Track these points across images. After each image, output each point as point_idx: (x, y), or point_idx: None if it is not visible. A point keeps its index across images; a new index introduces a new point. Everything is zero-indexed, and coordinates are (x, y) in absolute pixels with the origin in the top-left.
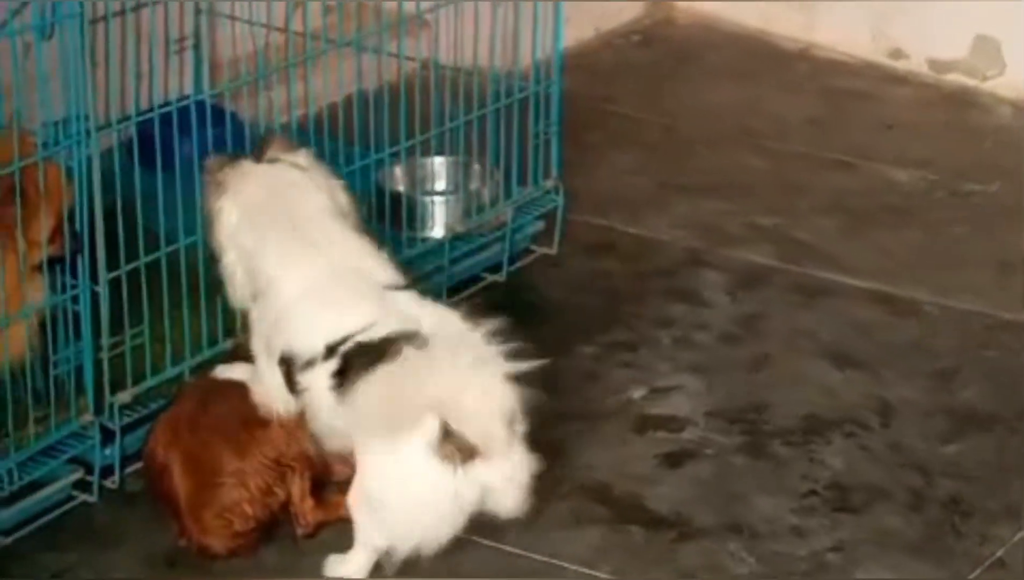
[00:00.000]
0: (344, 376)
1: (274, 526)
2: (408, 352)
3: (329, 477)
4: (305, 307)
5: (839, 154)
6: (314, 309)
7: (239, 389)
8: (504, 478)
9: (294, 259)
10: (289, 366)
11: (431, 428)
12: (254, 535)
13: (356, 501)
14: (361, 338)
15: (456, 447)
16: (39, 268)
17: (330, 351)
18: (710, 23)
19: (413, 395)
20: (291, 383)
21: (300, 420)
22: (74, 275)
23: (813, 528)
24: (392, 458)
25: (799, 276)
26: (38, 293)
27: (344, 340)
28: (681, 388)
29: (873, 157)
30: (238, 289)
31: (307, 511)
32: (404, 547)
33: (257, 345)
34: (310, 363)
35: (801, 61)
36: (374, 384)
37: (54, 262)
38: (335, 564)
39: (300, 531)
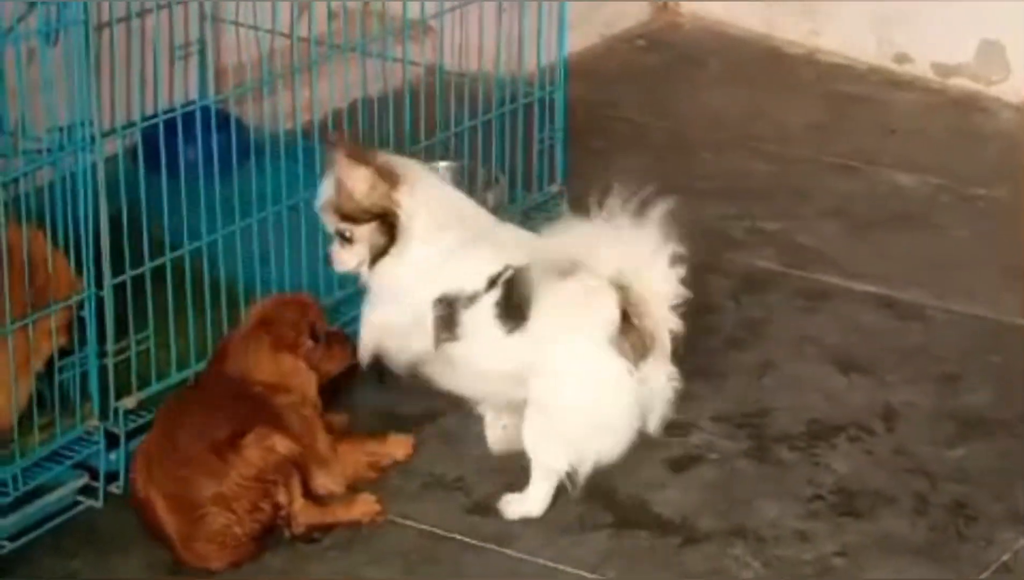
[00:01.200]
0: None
1: (272, 531)
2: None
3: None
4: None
5: (843, 159)
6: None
7: (201, 409)
8: (666, 380)
9: None
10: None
11: (611, 318)
12: (251, 547)
13: (529, 432)
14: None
15: (632, 343)
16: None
17: (491, 283)
18: (715, 28)
19: (596, 265)
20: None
21: (275, 428)
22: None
23: (818, 533)
24: (572, 357)
25: (803, 281)
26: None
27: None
28: (686, 393)
29: (877, 162)
30: None
31: (298, 513)
32: (586, 461)
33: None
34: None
35: (806, 66)
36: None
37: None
38: (512, 503)
39: (290, 532)
